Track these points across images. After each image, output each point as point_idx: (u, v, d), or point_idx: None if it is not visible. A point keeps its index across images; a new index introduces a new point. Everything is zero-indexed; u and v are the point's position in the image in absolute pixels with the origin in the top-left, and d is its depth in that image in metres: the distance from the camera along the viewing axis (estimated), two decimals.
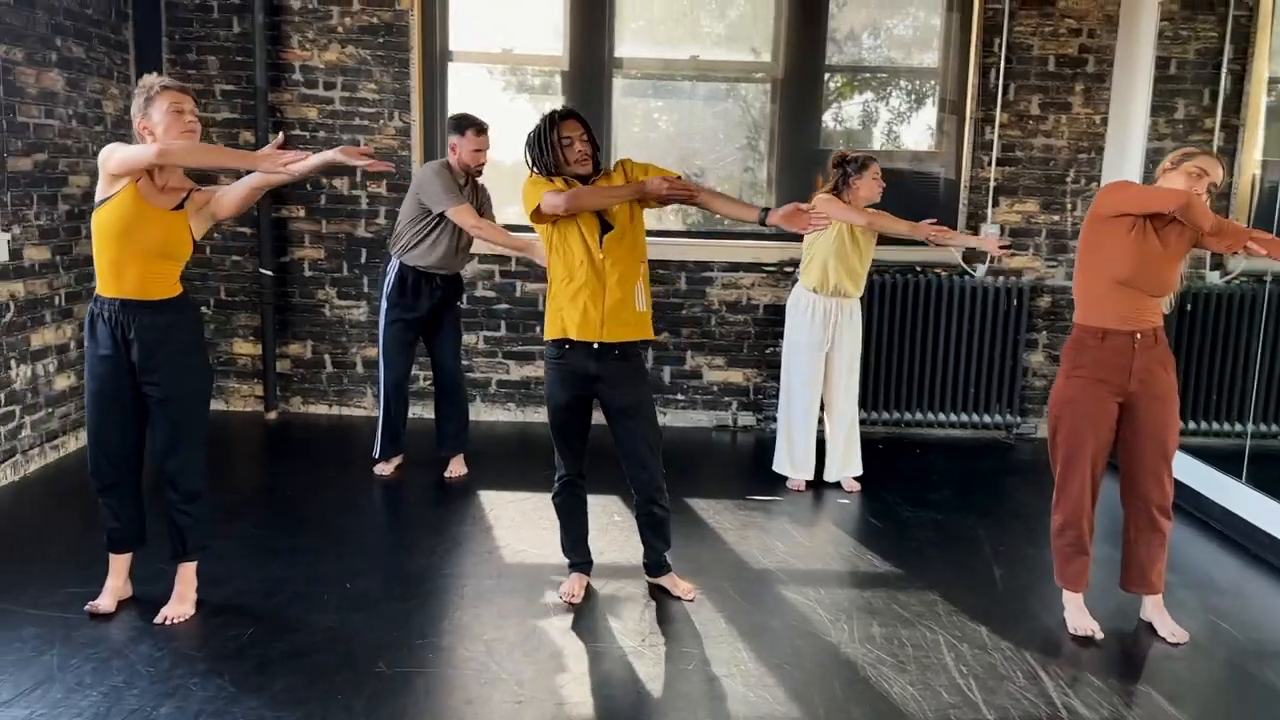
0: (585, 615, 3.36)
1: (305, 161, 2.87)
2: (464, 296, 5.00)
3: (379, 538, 4.12)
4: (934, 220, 4.53)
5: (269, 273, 5.69)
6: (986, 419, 5.76)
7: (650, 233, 5.81)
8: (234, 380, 5.92)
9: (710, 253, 5.79)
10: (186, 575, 3.24)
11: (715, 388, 5.91)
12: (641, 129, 6.04)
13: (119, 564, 3.25)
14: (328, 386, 5.92)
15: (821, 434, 4.81)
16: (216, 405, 5.92)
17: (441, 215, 4.40)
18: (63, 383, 4.93)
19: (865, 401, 5.75)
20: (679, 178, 3.25)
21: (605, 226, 3.25)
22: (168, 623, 3.15)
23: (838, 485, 4.78)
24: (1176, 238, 3.15)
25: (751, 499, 4.58)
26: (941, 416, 5.78)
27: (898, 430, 5.84)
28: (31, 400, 4.68)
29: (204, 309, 5.84)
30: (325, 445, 5.40)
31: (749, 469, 5.23)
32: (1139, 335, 3.18)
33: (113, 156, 2.92)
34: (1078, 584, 3.35)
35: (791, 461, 4.77)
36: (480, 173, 4.54)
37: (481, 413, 5.86)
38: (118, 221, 2.97)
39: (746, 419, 5.90)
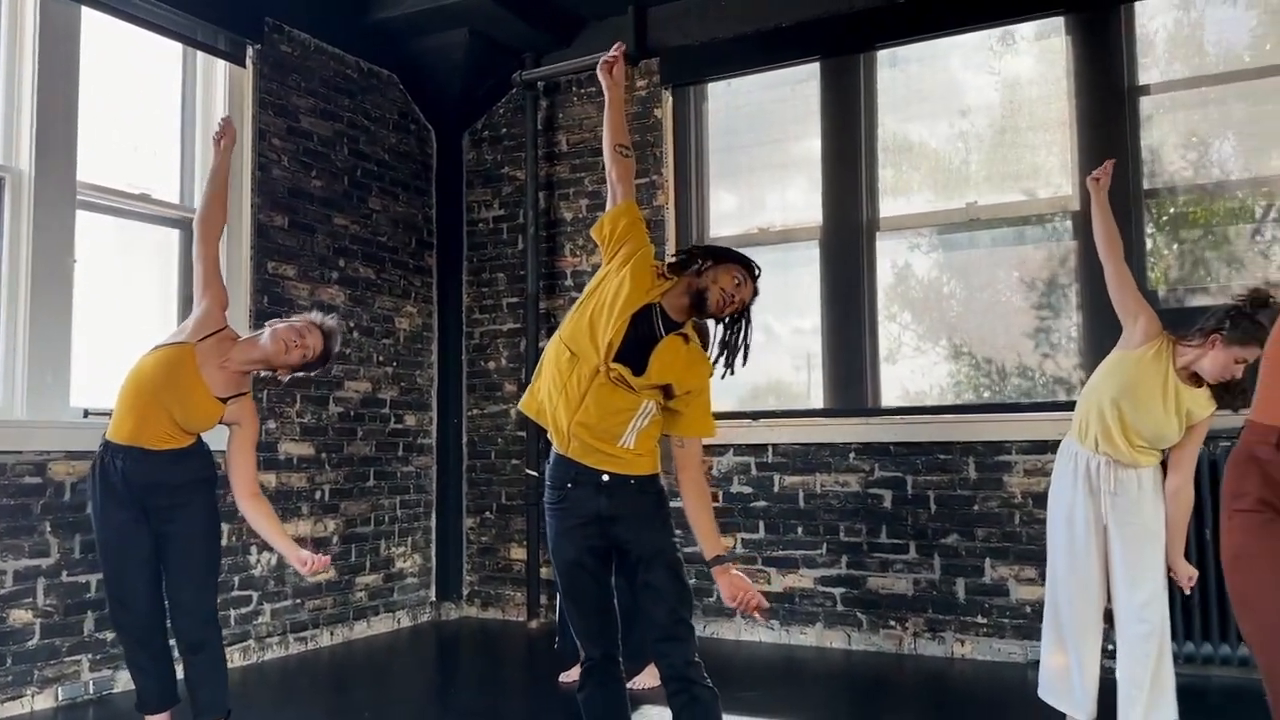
0: None
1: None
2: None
3: None
4: None
5: (534, 473, 5.61)
6: None
7: (922, 409, 4.88)
8: (509, 587, 5.79)
9: (1004, 429, 4.61)
10: None
11: (1028, 609, 4.52)
12: (910, 289, 5.16)
13: None
14: None
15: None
16: (491, 614, 5.81)
17: None
18: (318, 576, 5.12)
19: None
20: None
21: (639, 364, 2.51)
22: None
23: None
24: None
25: None
26: None
27: None
28: (275, 589, 4.91)
29: (487, 514, 5.88)
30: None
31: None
32: None
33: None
34: None
35: (1051, 688, 3.34)
36: None
37: (741, 631, 5.07)
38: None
39: None
